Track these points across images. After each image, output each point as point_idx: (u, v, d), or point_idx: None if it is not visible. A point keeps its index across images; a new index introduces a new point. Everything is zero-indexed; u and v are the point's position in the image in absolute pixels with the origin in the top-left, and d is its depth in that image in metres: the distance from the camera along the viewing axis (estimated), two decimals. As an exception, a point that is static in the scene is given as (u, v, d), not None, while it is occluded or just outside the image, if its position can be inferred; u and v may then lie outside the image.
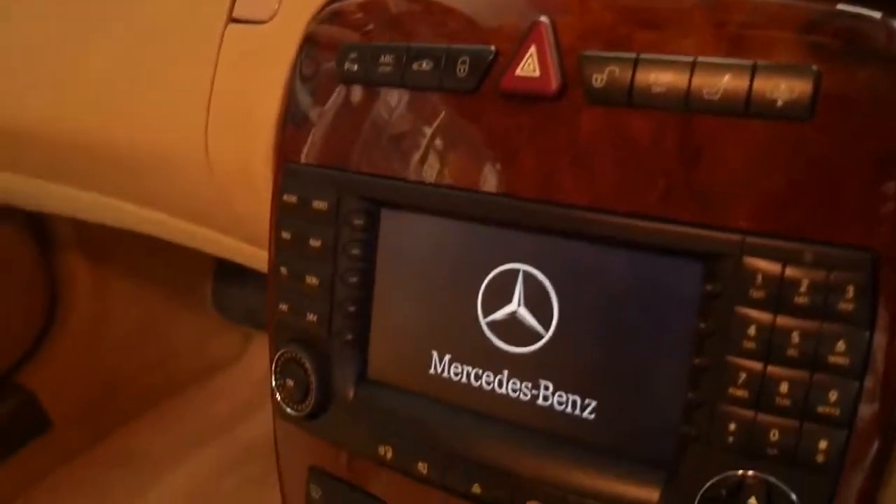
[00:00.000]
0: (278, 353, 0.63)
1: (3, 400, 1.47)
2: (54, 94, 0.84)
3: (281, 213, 0.62)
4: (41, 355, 1.53)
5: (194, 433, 1.61)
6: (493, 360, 0.55)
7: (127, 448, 1.57)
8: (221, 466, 1.52)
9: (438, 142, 0.55)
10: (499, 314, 0.55)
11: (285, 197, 0.61)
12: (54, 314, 1.55)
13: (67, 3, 0.83)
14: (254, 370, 1.76)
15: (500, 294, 0.54)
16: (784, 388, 0.45)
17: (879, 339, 0.43)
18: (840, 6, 0.44)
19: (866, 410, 0.44)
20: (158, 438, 1.60)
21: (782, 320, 0.45)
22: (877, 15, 0.43)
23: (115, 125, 0.78)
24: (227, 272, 1.74)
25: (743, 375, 0.46)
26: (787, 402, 0.45)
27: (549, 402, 0.54)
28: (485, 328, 0.55)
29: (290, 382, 0.62)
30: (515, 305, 0.54)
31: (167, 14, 0.74)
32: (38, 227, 1.48)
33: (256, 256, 0.79)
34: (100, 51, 0.79)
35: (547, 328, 0.53)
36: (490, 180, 0.53)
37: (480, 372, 0.56)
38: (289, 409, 0.63)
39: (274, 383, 0.63)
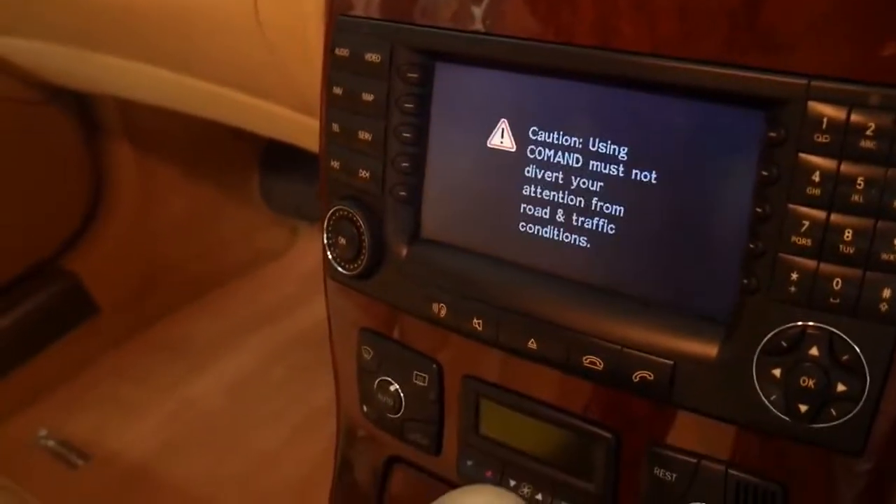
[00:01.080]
0: (330, 211, 0.62)
1: (50, 284, 1.49)
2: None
3: (332, 68, 0.61)
4: (87, 241, 1.55)
5: (241, 323, 1.64)
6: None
7: (173, 335, 1.60)
8: (268, 355, 1.54)
9: (494, -10, 0.53)
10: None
11: (337, 50, 0.60)
12: (100, 200, 1.56)
13: None
14: (301, 263, 1.78)
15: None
16: (848, 235, 0.44)
17: None
18: None
19: None
20: (205, 327, 1.63)
21: (847, 167, 0.44)
22: None
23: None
24: (274, 165, 1.74)
25: (806, 223, 0.45)
26: (850, 250, 0.44)
27: (610, 254, 0.53)
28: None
29: (343, 240, 0.62)
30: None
31: None
32: (86, 112, 1.48)
33: (309, 128, 0.78)
34: None
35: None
36: (547, 27, 0.51)
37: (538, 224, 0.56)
38: (341, 268, 0.63)
39: (326, 241, 0.63)
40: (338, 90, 0.60)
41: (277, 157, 1.73)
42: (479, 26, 0.54)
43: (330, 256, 0.63)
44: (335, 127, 0.61)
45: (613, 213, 0.52)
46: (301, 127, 0.81)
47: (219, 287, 1.72)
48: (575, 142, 0.53)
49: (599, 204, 0.53)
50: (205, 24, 0.75)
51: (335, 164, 0.62)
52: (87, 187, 1.53)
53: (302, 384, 1.47)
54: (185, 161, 1.64)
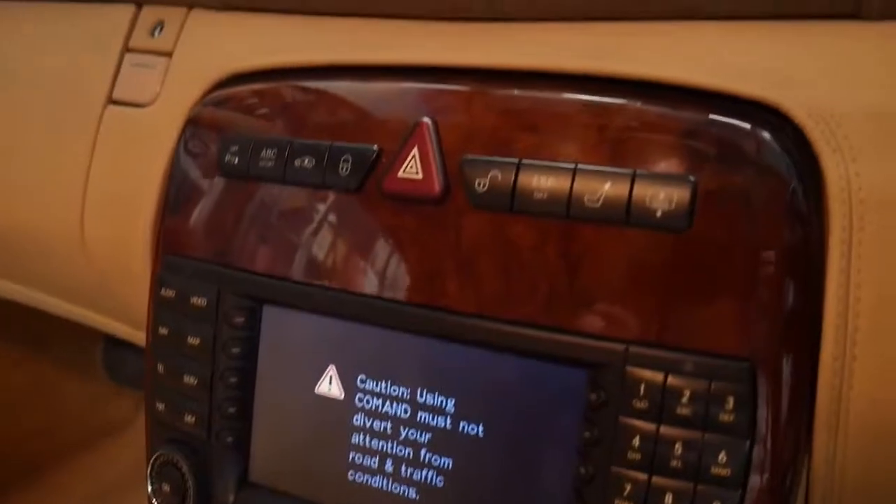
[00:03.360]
0: (154, 456, 0.60)
1: None
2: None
3: (158, 308, 0.60)
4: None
5: (82, 501, 1.55)
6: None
7: (7, 518, 1.50)
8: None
9: (321, 241, 0.54)
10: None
11: (163, 291, 0.59)
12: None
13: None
14: (144, 437, 1.71)
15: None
16: (668, 500, 0.45)
17: (759, 450, 0.43)
18: (712, 116, 0.45)
19: None
20: (50, 507, 1.54)
21: (666, 430, 0.45)
22: (746, 125, 0.44)
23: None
24: (118, 338, 1.69)
25: (628, 486, 0.45)
26: None
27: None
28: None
29: (167, 487, 0.59)
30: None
31: (43, 92, 0.72)
32: None
33: (140, 337, 0.76)
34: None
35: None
36: (374, 282, 0.52)
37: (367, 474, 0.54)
38: (165, 516, 0.60)
39: (150, 489, 0.60)
40: (164, 330, 0.59)
41: (122, 330, 1.68)
42: (306, 276, 0.54)
43: None
44: (160, 368, 0.60)
45: (441, 465, 0.52)
46: (136, 336, 0.79)
47: (59, 464, 1.63)
48: (403, 392, 0.52)
49: (428, 455, 0.52)
50: (31, 245, 0.73)
51: (160, 405, 0.60)
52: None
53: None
54: (24, 335, 1.57)
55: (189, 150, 0.60)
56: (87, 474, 1.61)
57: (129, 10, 0.70)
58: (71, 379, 1.68)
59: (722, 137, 0.45)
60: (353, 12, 0.59)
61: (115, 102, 0.67)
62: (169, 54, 0.66)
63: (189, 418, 0.58)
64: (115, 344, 1.70)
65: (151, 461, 0.60)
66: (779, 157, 0.44)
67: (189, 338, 0.58)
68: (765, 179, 0.44)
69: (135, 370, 1.72)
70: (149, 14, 0.69)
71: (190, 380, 0.58)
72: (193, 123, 0.61)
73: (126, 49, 0.68)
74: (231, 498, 0.58)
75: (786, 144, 0.44)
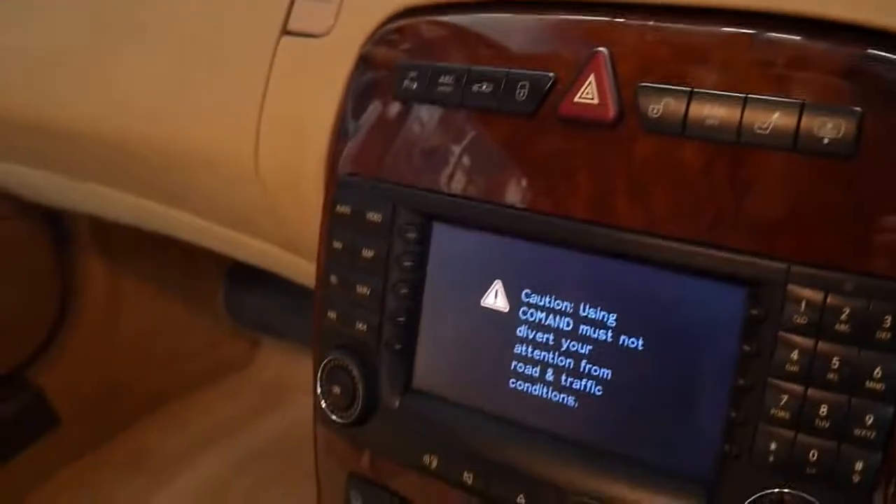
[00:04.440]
0: (325, 360, 0.64)
1: (12, 397, 1.48)
2: (94, 94, 0.86)
3: (333, 223, 0.64)
4: (52, 353, 1.54)
5: (202, 435, 1.62)
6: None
7: (135, 448, 1.58)
8: (231, 468, 1.53)
9: (494, 161, 0.57)
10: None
11: (339, 207, 0.63)
12: (67, 312, 1.56)
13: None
14: (262, 375, 1.77)
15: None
16: (823, 410, 0.47)
17: None
18: (873, 51, 0.47)
19: None
20: (166, 439, 1.61)
21: (823, 346, 0.47)
22: None
23: (159, 127, 0.80)
24: (240, 277, 1.76)
25: (784, 397, 0.48)
26: (825, 424, 0.47)
27: (597, 414, 0.56)
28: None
29: (337, 389, 0.63)
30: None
31: (219, 23, 0.76)
32: (55, 223, 1.49)
33: (294, 265, 0.81)
34: (143, 54, 0.81)
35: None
36: (545, 201, 0.55)
37: (527, 382, 0.58)
38: (334, 416, 0.64)
39: (319, 390, 0.65)
40: (338, 245, 0.63)
41: (243, 270, 1.74)
42: (477, 193, 0.58)
43: (323, 404, 0.65)
44: (333, 279, 0.64)
45: (601, 376, 0.55)
46: (287, 262, 0.83)
47: (181, 398, 1.71)
48: (566, 306, 0.56)
49: (588, 366, 0.56)
50: (204, 167, 0.77)
51: (332, 314, 0.64)
52: (55, 300, 1.53)
53: (268, 496, 1.45)
54: (152, 273, 1.65)
55: (364, 78, 0.64)
56: (208, 409, 1.69)
57: (305, -57, 0.73)
58: (194, 317, 1.76)
59: (885, 73, 0.46)
60: None
61: (290, 33, 0.71)
62: (344, -14, 0.69)
63: (360, 326, 0.63)
64: (235, 286, 1.78)
65: (322, 365, 0.64)
66: None
67: (364, 251, 0.62)
68: None
69: (253, 312, 1.79)
70: (325, -52, 0.72)
71: (363, 290, 0.62)
72: (367, 54, 0.64)
73: (302, -20, 0.72)
74: (396, 402, 0.62)
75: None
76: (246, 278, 1.75)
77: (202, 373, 1.76)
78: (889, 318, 0.46)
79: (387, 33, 0.64)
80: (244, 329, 1.81)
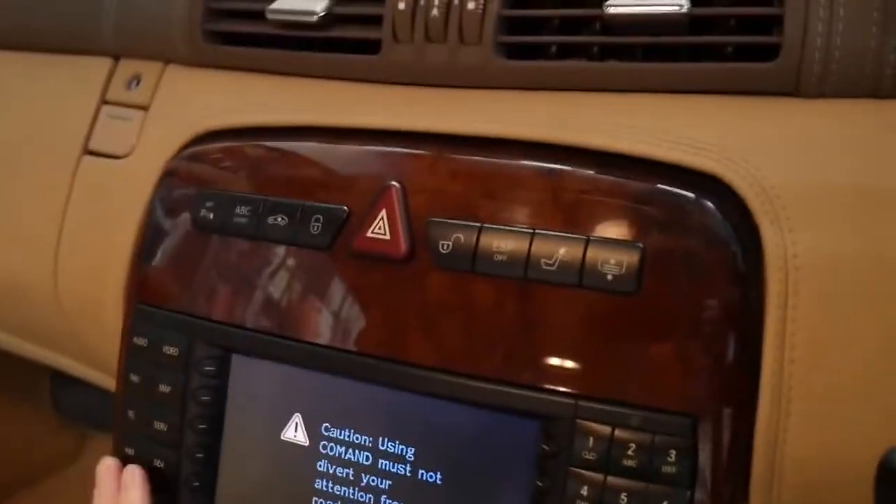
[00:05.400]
0: None
1: None
2: None
3: (130, 356, 0.62)
4: None
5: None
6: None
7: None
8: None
9: (290, 295, 0.56)
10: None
11: (136, 339, 0.61)
12: None
13: None
14: (90, 471, 1.69)
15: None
16: None
17: (700, 500, 0.47)
18: (660, 185, 0.49)
19: None
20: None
21: (612, 481, 0.48)
22: (691, 195, 0.48)
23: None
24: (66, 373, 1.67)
25: None
26: None
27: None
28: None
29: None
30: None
31: (22, 138, 0.73)
32: None
33: (105, 381, 0.78)
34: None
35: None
36: (340, 336, 0.55)
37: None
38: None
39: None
40: (135, 378, 0.61)
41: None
42: (274, 327, 0.57)
43: None
44: (131, 414, 0.61)
45: None
46: (94, 377, 0.80)
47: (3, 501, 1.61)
48: (365, 440, 0.55)
49: (388, 502, 0.54)
50: (5, 294, 0.74)
51: (130, 451, 0.62)
52: None
53: None
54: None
55: (164, 204, 0.62)
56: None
57: (106, 62, 0.72)
58: (16, 414, 1.66)
59: (669, 206, 0.48)
60: (325, 75, 0.62)
61: (92, 153, 0.69)
62: (145, 108, 0.68)
63: (158, 464, 0.60)
64: (61, 380, 1.69)
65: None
66: (721, 225, 0.47)
67: (161, 385, 0.60)
68: (708, 246, 0.47)
69: (81, 405, 1.71)
70: (126, 67, 0.71)
71: (160, 426, 0.60)
72: (169, 177, 0.63)
73: (103, 101, 0.71)
74: None
75: (728, 214, 0.48)
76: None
77: (27, 472, 1.66)
78: (674, 452, 0.47)
79: (188, 157, 0.63)
80: (72, 424, 1.73)
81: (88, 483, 1.60)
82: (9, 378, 1.61)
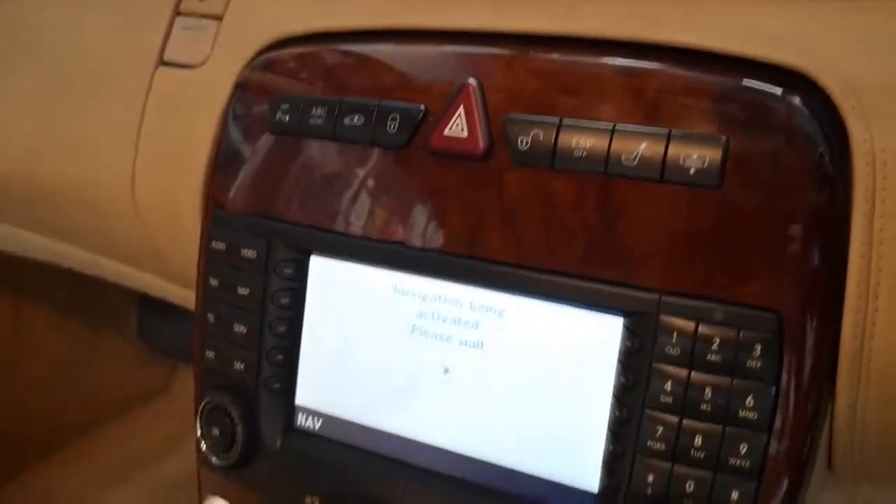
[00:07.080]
0: (203, 402, 0.62)
1: None
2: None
3: (209, 260, 0.62)
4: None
5: (114, 470, 1.57)
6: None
7: (40, 488, 1.53)
8: (149, 501, 1.48)
9: (367, 194, 0.56)
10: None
11: (214, 244, 0.62)
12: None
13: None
14: (178, 404, 1.73)
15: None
16: (698, 441, 0.47)
17: (784, 395, 0.46)
18: (744, 81, 0.47)
19: (773, 463, 0.46)
20: (74, 477, 1.55)
21: (696, 376, 0.47)
22: (777, 90, 0.47)
23: (36, 166, 0.77)
24: (153, 303, 1.71)
25: (660, 428, 0.48)
26: (701, 454, 0.47)
27: (474, 450, 0.55)
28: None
29: (216, 431, 0.62)
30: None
31: (95, 54, 0.74)
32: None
33: (183, 296, 0.79)
34: (17, 91, 0.79)
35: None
36: (417, 235, 0.54)
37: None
38: (214, 459, 0.63)
39: (199, 433, 0.63)
40: (214, 282, 0.62)
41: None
42: (353, 228, 0.57)
43: (203, 447, 0.63)
44: (210, 317, 0.62)
45: None
46: (178, 294, 0.81)
47: (90, 433, 1.66)
48: None
49: None
50: (80, 201, 0.75)
51: (210, 354, 0.63)
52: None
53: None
54: (60, 303, 1.60)
55: (239, 110, 0.62)
56: (121, 443, 1.64)
57: (179, -26, 0.72)
58: (104, 348, 1.70)
59: (753, 102, 0.47)
60: None
61: (166, 64, 0.70)
62: (219, 17, 0.68)
63: (238, 365, 0.61)
64: (148, 312, 1.73)
65: (201, 406, 0.63)
66: (807, 121, 0.46)
67: (239, 288, 0.60)
68: (794, 143, 0.46)
69: (168, 339, 1.75)
70: (199, -22, 0.71)
71: (240, 329, 0.61)
72: (243, 85, 0.63)
73: (177, 12, 0.71)
74: (278, 443, 0.61)
75: (814, 110, 0.46)
76: (159, 304, 1.71)
77: (114, 405, 1.71)
78: (759, 347, 0.46)
79: (263, 63, 0.63)
80: (160, 357, 1.77)
81: (175, 416, 1.64)
82: (96, 311, 1.65)
